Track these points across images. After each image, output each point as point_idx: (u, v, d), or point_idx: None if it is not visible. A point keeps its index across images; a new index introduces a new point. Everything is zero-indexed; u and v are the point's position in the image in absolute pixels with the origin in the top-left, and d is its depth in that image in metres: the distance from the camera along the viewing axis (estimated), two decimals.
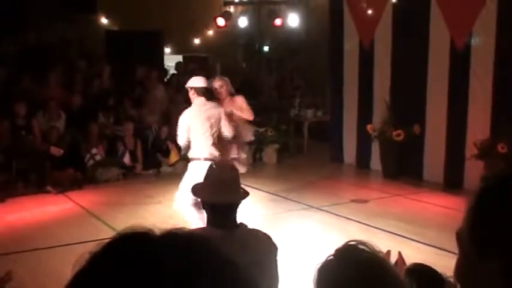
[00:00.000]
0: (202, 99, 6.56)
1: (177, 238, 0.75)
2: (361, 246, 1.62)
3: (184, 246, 0.73)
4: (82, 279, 0.72)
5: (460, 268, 1.07)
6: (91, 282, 0.71)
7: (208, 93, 6.74)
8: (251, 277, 0.77)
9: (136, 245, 0.73)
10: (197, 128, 6.41)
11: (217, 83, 7.17)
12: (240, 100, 7.36)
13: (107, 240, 0.75)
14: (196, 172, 5.93)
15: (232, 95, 7.35)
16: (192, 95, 6.59)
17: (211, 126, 6.46)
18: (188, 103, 6.88)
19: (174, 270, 0.69)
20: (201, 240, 0.76)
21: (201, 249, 0.74)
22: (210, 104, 6.64)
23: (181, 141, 6.54)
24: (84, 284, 0.71)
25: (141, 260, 0.70)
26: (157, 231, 0.76)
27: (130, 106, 11.62)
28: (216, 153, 6.42)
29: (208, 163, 6.20)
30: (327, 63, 12.57)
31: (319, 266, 1.63)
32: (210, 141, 6.43)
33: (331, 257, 1.63)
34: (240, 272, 0.75)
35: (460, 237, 1.06)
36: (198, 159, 6.34)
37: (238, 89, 7.93)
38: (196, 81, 6.65)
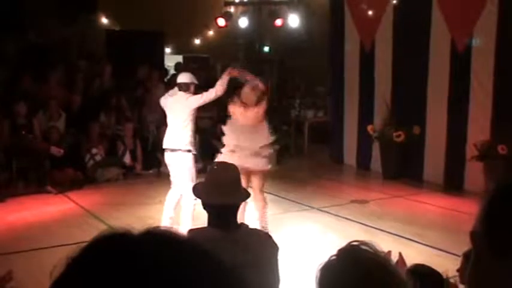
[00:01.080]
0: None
1: (154, 236, 0.74)
2: (363, 247, 1.62)
3: (162, 244, 0.72)
4: (61, 283, 0.71)
5: (475, 273, 1.05)
6: (70, 286, 0.70)
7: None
8: (236, 275, 0.76)
9: (114, 246, 0.72)
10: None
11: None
12: None
13: (84, 244, 0.74)
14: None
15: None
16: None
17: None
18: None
19: (152, 269, 0.68)
20: (179, 237, 0.75)
21: (178, 246, 0.73)
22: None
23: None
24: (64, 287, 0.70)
25: (119, 261, 0.69)
26: (135, 231, 0.75)
27: (130, 106, 11.61)
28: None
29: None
30: (328, 64, 12.57)
31: (321, 266, 1.63)
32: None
33: (334, 257, 1.63)
34: (218, 263, 0.74)
35: (474, 237, 1.05)
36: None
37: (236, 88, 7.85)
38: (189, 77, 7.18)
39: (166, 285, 0.68)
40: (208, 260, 0.74)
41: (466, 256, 3.27)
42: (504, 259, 0.97)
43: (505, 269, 0.97)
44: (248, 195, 3.27)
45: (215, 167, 3.32)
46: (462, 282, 3.23)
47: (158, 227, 0.76)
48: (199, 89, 13.13)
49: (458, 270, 3.32)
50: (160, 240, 0.73)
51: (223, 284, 0.73)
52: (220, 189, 3.06)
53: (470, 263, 1.05)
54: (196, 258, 0.73)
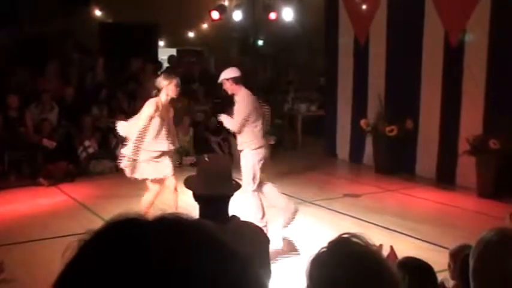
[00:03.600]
0: (244, 87, 6.64)
1: (167, 222, 0.74)
2: (354, 239, 1.62)
3: (175, 230, 0.73)
4: (74, 267, 0.71)
5: None
6: (83, 270, 0.70)
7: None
8: (247, 262, 0.76)
9: (126, 230, 0.73)
10: (253, 117, 6.54)
11: (172, 81, 6.67)
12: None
13: (96, 227, 0.75)
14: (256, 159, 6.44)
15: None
16: (230, 85, 6.58)
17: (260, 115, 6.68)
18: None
19: (164, 254, 0.69)
20: (193, 223, 0.75)
21: (192, 232, 0.74)
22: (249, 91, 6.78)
23: (238, 126, 6.53)
24: (76, 273, 0.71)
25: (131, 245, 0.70)
26: (149, 217, 0.75)
27: (123, 99, 11.59)
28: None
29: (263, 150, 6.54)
30: (322, 58, 12.58)
31: (311, 258, 1.63)
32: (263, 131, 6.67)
33: (324, 249, 1.63)
34: (235, 253, 0.75)
35: None
36: (260, 147, 6.55)
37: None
38: (232, 72, 6.65)
39: (176, 271, 0.68)
40: (220, 246, 0.74)
41: (452, 255, 3.30)
42: None
43: None
44: (239, 186, 3.27)
45: (206, 159, 3.32)
46: (452, 278, 3.26)
47: (172, 213, 0.76)
48: (195, 82, 13.15)
49: (449, 266, 3.35)
50: (173, 226, 0.74)
51: (238, 272, 0.73)
52: (211, 181, 3.06)
53: None
54: (207, 245, 0.73)
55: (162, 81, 6.59)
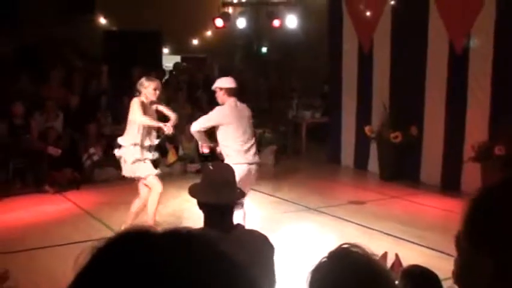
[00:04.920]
0: (234, 99, 6.45)
1: (178, 236, 0.76)
2: (354, 249, 1.62)
3: (186, 245, 0.74)
4: (84, 278, 0.73)
5: (456, 267, 1.11)
6: (93, 281, 0.71)
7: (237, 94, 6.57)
8: (253, 276, 0.77)
9: (138, 244, 0.74)
10: (234, 129, 6.30)
11: (152, 84, 6.81)
12: (159, 106, 7.19)
13: (108, 237, 0.76)
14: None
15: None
16: (222, 95, 6.42)
17: (246, 128, 6.41)
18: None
19: (174, 269, 0.70)
20: (202, 238, 0.76)
21: (202, 248, 0.75)
22: (241, 105, 6.55)
23: (197, 128, 6.43)
24: (86, 283, 0.72)
25: (141, 259, 0.71)
26: (158, 230, 0.76)
27: (128, 106, 11.59)
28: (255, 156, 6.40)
29: (253, 166, 6.26)
30: (326, 65, 12.58)
31: (312, 268, 1.63)
32: (250, 143, 6.39)
33: (324, 260, 1.63)
34: (241, 269, 0.76)
35: (457, 238, 1.09)
36: (242, 163, 6.15)
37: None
38: (226, 82, 6.52)
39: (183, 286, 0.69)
40: (227, 263, 0.75)
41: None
42: (480, 258, 1.00)
43: (481, 266, 1.00)
44: (243, 194, 3.27)
45: (210, 167, 3.32)
46: (456, 284, 3.25)
47: (183, 227, 0.78)
48: (197, 89, 13.16)
49: (453, 273, 3.33)
50: (182, 241, 0.75)
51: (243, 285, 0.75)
52: (215, 189, 3.06)
53: (454, 261, 1.11)
54: (216, 261, 0.74)
55: (141, 84, 6.76)
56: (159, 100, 7.08)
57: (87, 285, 0.71)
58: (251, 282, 0.77)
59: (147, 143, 6.86)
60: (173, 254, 0.72)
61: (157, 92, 6.80)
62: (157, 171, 6.96)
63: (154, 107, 6.99)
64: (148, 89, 6.71)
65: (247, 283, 0.76)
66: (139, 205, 6.91)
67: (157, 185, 6.81)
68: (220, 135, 6.38)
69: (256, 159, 6.47)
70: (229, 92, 6.40)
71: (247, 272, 0.77)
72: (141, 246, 0.73)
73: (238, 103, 6.49)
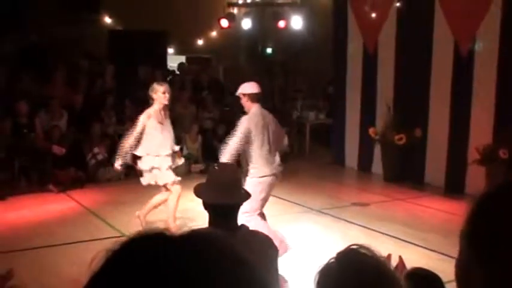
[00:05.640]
0: (259, 106, 6.17)
1: (193, 239, 0.76)
2: (362, 250, 1.63)
3: (201, 248, 0.74)
4: (99, 280, 0.73)
5: (457, 267, 1.12)
6: (107, 284, 0.72)
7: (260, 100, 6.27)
8: (266, 278, 0.78)
9: (153, 246, 0.74)
10: (258, 138, 6.01)
11: (161, 88, 6.98)
12: None
13: (123, 239, 0.77)
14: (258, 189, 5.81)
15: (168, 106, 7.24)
16: (246, 101, 6.14)
17: (270, 136, 6.13)
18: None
19: (190, 272, 0.70)
20: (218, 240, 0.77)
21: (217, 250, 0.75)
22: (265, 111, 6.29)
23: (233, 148, 6.02)
24: (101, 286, 0.72)
25: (157, 261, 0.71)
26: (174, 233, 0.77)
27: (132, 106, 11.62)
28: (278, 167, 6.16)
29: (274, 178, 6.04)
30: (331, 66, 12.58)
31: (320, 268, 1.64)
32: (274, 152, 6.14)
33: (333, 260, 1.63)
34: (256, 272, 0.76)
35: (460, 236, 1.10)
36: (267, 175, 5.99)
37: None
38: (249, 88, 6.21)
39: None
40: (243, 266, 0.76)
41: None
42: (478, 266, 1.01)
43: (477, 274, 1.00)
44: (248, 195, 3.27)
45: (216, 168, 3.33)
46: (457, 285, 3.24)
47: (198, 229, 0.79)
48: (202, 89, 13.18)
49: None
50: (198, 243, 0.75)
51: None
52: (221, 189, 3.07)
53: (456, 259, 1.11)
54: (232, 264, 0.74)
55: (152, 90, 6.97)
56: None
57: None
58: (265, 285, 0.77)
59: (163, 152, 6.93)
60: (189, 259, 0.72)
61: (167, 95, 6.94)
62: (175, 178, 7.03)
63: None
64: (158, 93, 6.89)
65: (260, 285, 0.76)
66: (161, 199, 7.13)
67: (175, 188, 7.00)
68: (246, 145, 6.07)
69: (281, 168, 6.24)
70: (253, 97, 6.11)
71: (262, 275, 0.77)
72: (156, 249, 0.73)
73: (263, 109, 6.24)
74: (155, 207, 7.20)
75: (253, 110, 6.08)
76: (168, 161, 6.97)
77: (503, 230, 1.01)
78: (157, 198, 7.16)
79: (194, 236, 0.77)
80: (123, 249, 0.75)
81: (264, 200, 6.13)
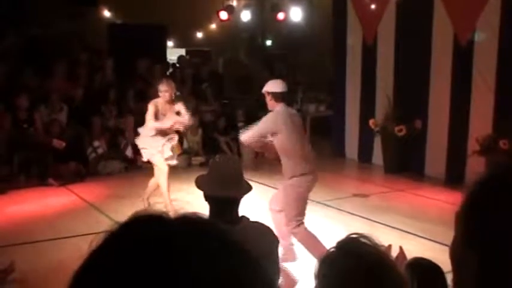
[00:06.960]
0: (283, 105, 5.88)
1: (190, 221, 0.77)
2: (362, 239, 1.63)
3: (197, 230, 0.75)
4: (96, 258, 0.74)
5: (451, 249, 1.13)
6: (105, 262, 0.72)
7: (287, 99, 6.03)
8: (260, 263, 0.78)
9: (150, 227, 0.75)
10: (287, 137, 5.73)
11: (163, 87, 7.44)
12: (179, 105, 7.69)
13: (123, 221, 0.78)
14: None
15: (172, 100, 7.63)
16: (270, 100, 5.84)
17: (302, 135, 5.98)
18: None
19: (186, 252, 0.71)
20: (213, 224, 0.78)
21: (213, 233, 0.76)
22: (292, 110, 6.12)
23: (247, 140, 5.84)
24: (99, 263, 0.73)
25: (154, 242, 0.72)
26: (171, 215, 0.77)
27: (132, 99, 11.62)
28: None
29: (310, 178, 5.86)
30: (330, 58, 12.56)
31: (321, 258, 1.64)
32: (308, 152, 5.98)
33: (333, 249, 1.64)
34: (250, 256, 0.77)
35: (456, 218, 1.11)
36: (303, 174, 5.80)
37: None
38: (274, 86, 5.91)
39: (195, 274, 0.70)
40: (237, 249, 0.76)
41: None
42: (470, 249, 1.02)
43: (470, 256, 1.01)
44: (250, 188, 3.26)
45: (217, 160, 3.32)
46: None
47: (194, 213, 0.79)
48: (202, 82, 13.17)
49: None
50: (194, 226, 0.76)
51: (252, 276, 0.75)
52: (222, 182, 3.06)
53: (451, 243, 1.14)
54: (226, 245, 0.75)
55: (159, 89, 7.53)
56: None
57: (99, 266, 0.72)
58: (264, 274, 0.77)
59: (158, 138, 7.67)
60: (185, 241, 0.72)
61: (167, 94, 7.41)
62: (161, 158, 7.61)
63: (175, 107, 7.66)
64: (161, 91, 7.45)
65: (260, 273, 0.76)
66: (155, 182, 7.80)
67: (159, 170, 7.64)
68: (277, 145, 5.81)
69: (315, 170, 6.04)
70: (277, 96, 5.81)
71: (259, 263, 0.77)
72: (153, 230, 0.74)
73: (289, 108, 6.03)
74: (155, 189, 7.86)
75: (278, 108, 5.81)
76: (159, 146, 7.59)
77: (498, 211, 1.02)
78: (153, 181, 7.81)
79: (189, 218, 0.77)
80: (121, 228, 0.76)
81: (306, 201, 5.91)
